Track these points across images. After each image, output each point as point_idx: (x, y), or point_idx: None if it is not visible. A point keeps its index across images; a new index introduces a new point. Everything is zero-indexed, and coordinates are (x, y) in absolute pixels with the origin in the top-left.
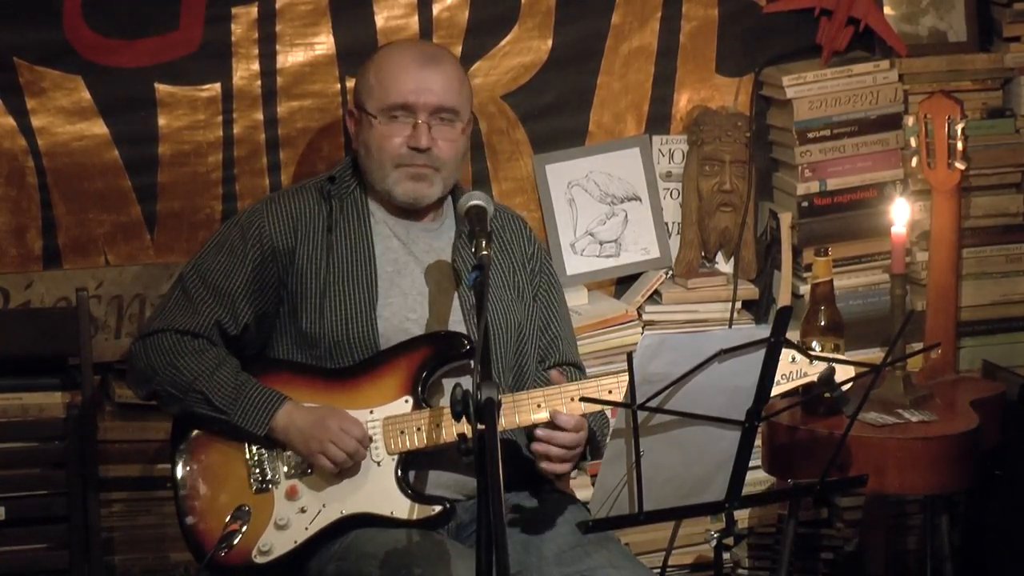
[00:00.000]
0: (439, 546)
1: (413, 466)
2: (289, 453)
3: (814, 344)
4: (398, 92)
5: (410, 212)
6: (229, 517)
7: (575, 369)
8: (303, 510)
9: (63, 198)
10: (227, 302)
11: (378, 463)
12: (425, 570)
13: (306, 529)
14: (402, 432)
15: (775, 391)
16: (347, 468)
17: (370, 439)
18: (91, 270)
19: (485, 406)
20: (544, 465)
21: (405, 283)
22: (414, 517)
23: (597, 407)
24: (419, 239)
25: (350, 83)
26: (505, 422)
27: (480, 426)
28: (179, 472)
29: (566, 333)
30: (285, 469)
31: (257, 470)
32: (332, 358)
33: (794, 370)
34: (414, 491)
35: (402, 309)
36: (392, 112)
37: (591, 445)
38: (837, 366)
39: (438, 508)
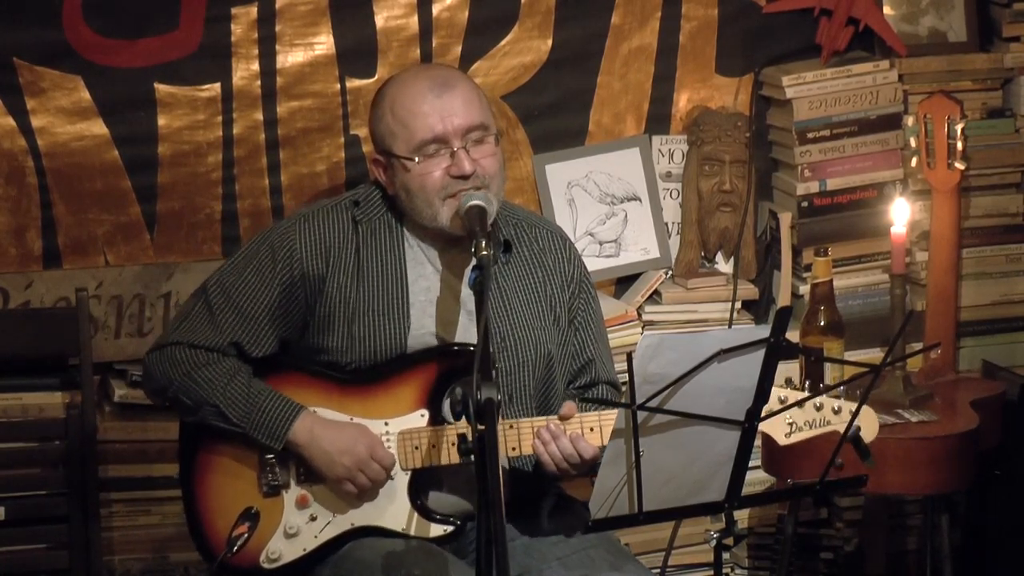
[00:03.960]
0: (436, 555)
1: (425, 481)
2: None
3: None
4: (424, 127)
5: (450, 237)
6: (237, 519)
7: (609, 387)
8: (313, 518)
9: (63, 198)
10: (251, 325)
11: (391, 477)
12: (424, 571)
13: (315, 538)
14: (417, 448)
15: (797, 438)
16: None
17: (394, 462)
18: (91, 270)
19: (485, 406)
20: (537, 446)
21: (438, 311)
22: (424, 534)
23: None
24: (454, 264)
25: (350, 83)
26: (523, 448)
27: (480, 426)
28: (187, 471)
29: (602, 353)
30: (295, 474)
31: (267, 473)
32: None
33: (818, 418)
34: (426, 508)
35: (434, 337)
36: (425, 148)
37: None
38: (863, 424)
39: (449, 528)
